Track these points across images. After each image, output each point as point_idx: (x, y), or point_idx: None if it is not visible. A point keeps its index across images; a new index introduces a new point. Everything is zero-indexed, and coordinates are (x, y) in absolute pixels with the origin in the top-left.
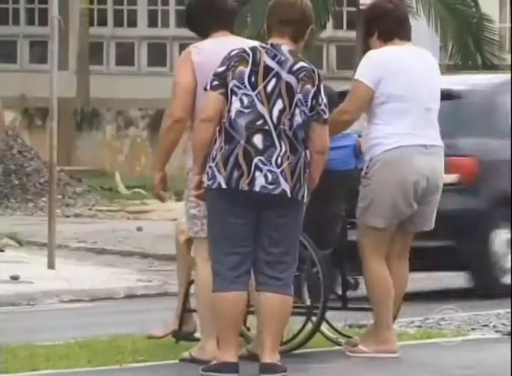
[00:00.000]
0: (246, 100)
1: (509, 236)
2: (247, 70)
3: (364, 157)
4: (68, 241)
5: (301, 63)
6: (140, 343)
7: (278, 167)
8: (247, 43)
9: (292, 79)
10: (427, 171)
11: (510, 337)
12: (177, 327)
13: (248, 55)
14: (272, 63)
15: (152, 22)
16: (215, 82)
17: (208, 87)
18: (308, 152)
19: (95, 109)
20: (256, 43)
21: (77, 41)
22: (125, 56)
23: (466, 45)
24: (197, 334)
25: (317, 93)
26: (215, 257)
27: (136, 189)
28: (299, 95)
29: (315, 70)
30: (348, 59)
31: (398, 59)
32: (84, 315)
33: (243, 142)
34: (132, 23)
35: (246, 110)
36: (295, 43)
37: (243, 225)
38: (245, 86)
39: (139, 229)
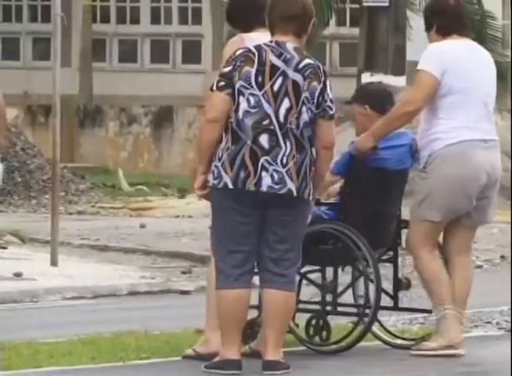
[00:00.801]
0: (252, 100)
1: None
2: (254, 70)
3: (421, 152)
4: (71, 238)
5: (307, 60)
6: (143, 340)
7: (283, 166)
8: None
9: (298, 77)
10: (487, 166)
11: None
12: None
13: (254, 54)
14: (278, 62)
15: (155, 19)
16: (222, 83)
17: (215, 87)
18: (314, 149)
19: (97, 106)
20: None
21: (79, 38)
22: (128, 52)
23: None
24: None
25: (323, 90)
26: (219, 255)
27: (139, 186)
28: (306, 93)
29: (321, 67)
30: (351, 56)
31: (459, 53)
32: (87, 312)
33: (249, 142)
34: (135, 20)
35: (253, 110)
36: (299, 38)
37: (248, 224)
38: (252, 86)
39: (142, 226)
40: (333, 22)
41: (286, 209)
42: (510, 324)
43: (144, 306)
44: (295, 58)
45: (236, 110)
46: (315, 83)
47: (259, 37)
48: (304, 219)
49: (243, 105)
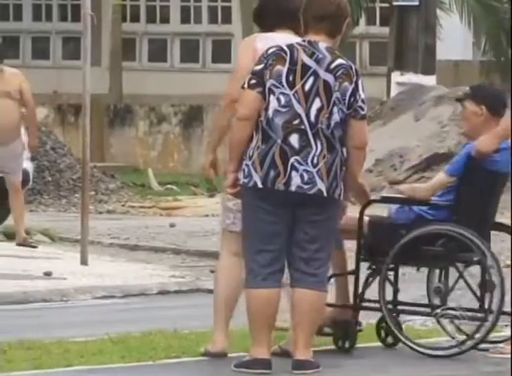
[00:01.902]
0: (283, 99)
1: None
2: (285, 69)
3: None
4: (101, 237)
5: (339, 60)
6: (173, 339)
7: (314, 166)
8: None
9: (330, 77)
10: None
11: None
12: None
13: (286, 53)
14: (309, 62)
15: (185, 18)
16: (253, 81)
17: (246, 85)
18: (344, 149)
19: (127, 105)
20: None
21: (109, 38)
22: (158, 52)
23: (499, 41)
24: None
25: (355, 90)
26: (248, 254)
27: (169, 186)
28: (337, 94)
29: (353, 67)
30: (381, 55)
31: None
32: (117, 311)
33: (279, 141)
34: (165, 19)
35: (284, 109)
36: (332, 38)
37: (277, 224)
38: (282, 85)
39: (172, 225)
40: (363, 21)
41: (317, 209)
42: None
43: (173, 305)
44: (327, 58)
45: (267, 109)
46: (346, 83)
47: (275, 36)
48: (335, 219)
49: (274, 104)
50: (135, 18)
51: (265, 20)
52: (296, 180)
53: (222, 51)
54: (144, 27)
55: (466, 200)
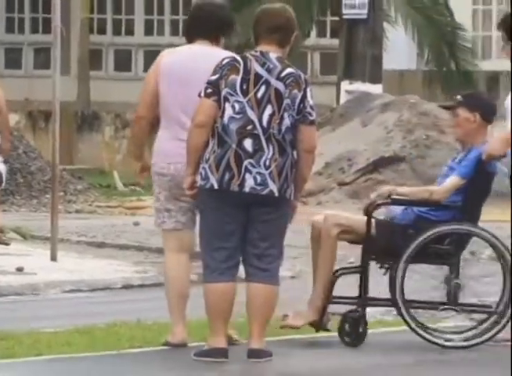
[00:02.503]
0: (237, 107)
1: None
2: (239, 78)
3: None
4: (69, 235)
5: (289, 70)
6: (136, 330)
7: (266, 169)
8: (219, 53)
9: (280, 85)
10: None
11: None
12: (316, 318)
13: (239, 63)
14: (261, 71)
15: (148, 31)
16: (209, 90)
17: (202, 94)
18: (295, 152)
19: (94, 112)
20: (229, 53)
21: (78, 48)
22: (123, 62)
23: (442, 52)
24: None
25: (304, 97)
26: (205, 251)
27: (133, 187)
28: (287, 100)
29: (302, 75)
30: (331, 65)
31: None
32: (84, 304)
33: (234, 145)
34: (130, 31)
35: (238, 116)
36: (282, 48)
37: (232, 223)
38: (237, 93)
39: (136, 223)
40: (314, 33)
41: (269, 209)
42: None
43: (137, 298)
44: (277, 67)
45: (222, 116)
46: (295, 91)
47: (182, 49)
48: (285, 218)
49: (229, 111)
50: (102, 30)
51: (187, 32)
52: (249, 182)
53: None
54: (110, 39)
55: (473, 200)
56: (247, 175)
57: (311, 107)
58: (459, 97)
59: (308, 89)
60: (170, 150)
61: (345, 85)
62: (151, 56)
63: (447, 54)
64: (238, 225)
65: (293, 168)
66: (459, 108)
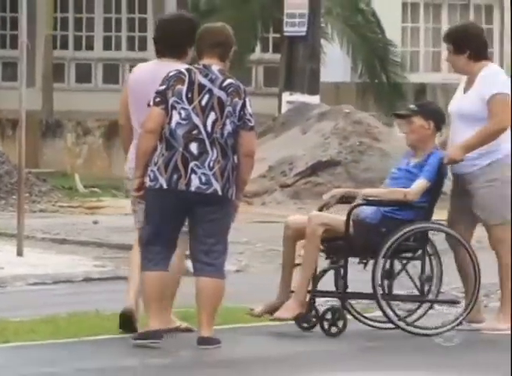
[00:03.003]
0: (183, 113)
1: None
2: (185, 88)
3: (474, 161)
4: (34, 233)
5: (229, 80)
6: (95, 319)
7: (210, 170)
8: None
9: (222, 94)
10: None
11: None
12: (302, 311)
13: (184, 75)
14: (204, 81)
15: (106, 46)
16: (158, 99)
17: (152, 103)
18: (235, 156)
19: (57, 120)
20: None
21: (42, 62)
22: (84, 74)
23: (374, 66)
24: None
25: (243, 105)
26: (145, 244)
27: (92, 189)
28: (229, 108)
29: (241, 86)
30: (274, 77)
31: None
32: (48, 295)
33: (181, 149)
34: (90, 46)
35: (184, 122)
36: (223, 62)
37: (173, 221)
38: (183, 101)
39: (95, 222)
40: (258, 49)
41: (213, 208)
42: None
43: (96, 291)
44: (219, 78)
45: (170, 122)
46: (236, 99)
47: (144, 65)
48: (228, 217)
49: (176, 117)
50: (64, 46)
51: (155, 48)
52: (195, 182)
53: None
54: (72, 54)
55: (434, 201)
56: (193, 176)
57: (250, 115)
58: (412, 106)
59: (247, 99)
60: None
61: (286, 96)
62: (109, 69)
63: (379, 68)
64: (178, 223)
65: (234, 170)
66: (415, 116)
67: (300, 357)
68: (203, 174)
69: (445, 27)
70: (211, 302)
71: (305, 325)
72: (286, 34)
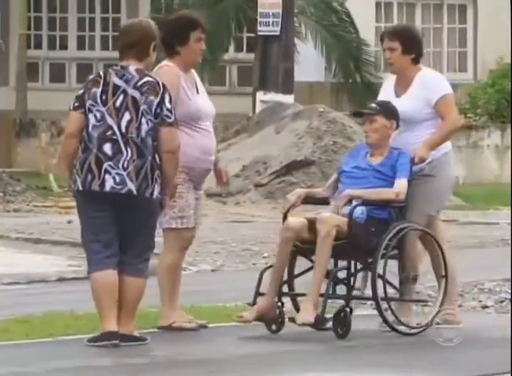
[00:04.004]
0: (98, 115)
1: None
2: (99, 91)
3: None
4: (9, 232)
5: (146, 79)
6: (70, 319)
7: (124, 170)
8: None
9: (136, 93)
10: None
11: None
12: (319, 313)
13: (100, 77)
14: (119, 82)
15: (80, 45)
16: (76, 103)
17: (71, 107)
18: (157, 155)
19: (31, 119)
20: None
21: (16, 62)
22: (58, 74)
23: (347, 66)
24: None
25: (160, 102)
26: (84, 245)
27: (66, 188)
28: (144, 106)
29: (160, 83)
30: (248, 77)
31: None
32: (22, 295)
33: (95, 150)
34: (64, 46)
35: (99, 124)
36: (141, 61)
37: (102, 218)
38: (98, 104)
39: (70, 221)
40: (232, 48)
41: (131, 207)
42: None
43: (71, 290)
44: (135, 77)
45: (87, 125)
46: (152, 97)
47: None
48: (150, 215)
49: (92, 120)
50: (38, 45)
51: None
52: (109, 182)
53: None
54: (46, 53)
55: (407, 200)
56: (107, 176)
57: (169, 110)
58: (374, 105)
59: (166, 95)
60: None
61: (260, 96)
62: (83, 68)
63: (352, 67)
64: (109, 219)
65: (154, 169)
66: (378, 115)
67: (274, 357)
68: (118, 174)
69: (418, 26)
70: (131, 301)
71: (274, 327)
72: (260, 33)
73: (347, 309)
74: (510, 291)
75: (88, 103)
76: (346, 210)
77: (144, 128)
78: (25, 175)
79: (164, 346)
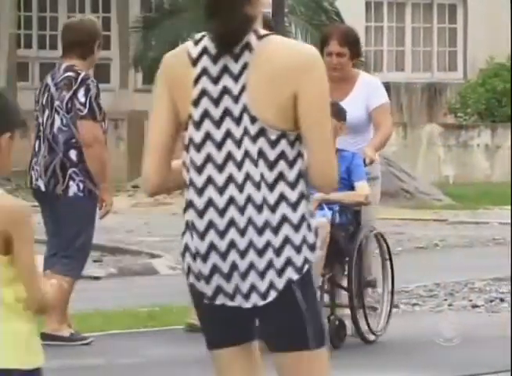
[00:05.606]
0: (35, 114)
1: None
2: (37, 91)
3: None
4: None
5: (67, 74)
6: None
7: (39, 166)
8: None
9: (54, 90)
10: None
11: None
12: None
13: (46, 78)
14: (49, 81)
15: None
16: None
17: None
18: (72, 151)
19: (22, 119)
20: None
21: (6, 61)
22: (48, 74)
23: None
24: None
25: (73, 97)
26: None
27: None
28: (57, 102)
29: (79, 78)
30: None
31: None
32: None
33: (32, 149)
34: (54, 46)
35: (35, 122)
36: (84, 60)
37: (45, 218)
38: (37, 104)
39: None
40: None
41: (48, 205)
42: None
43: None
44: (60, 74)
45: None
46: (64, 92)
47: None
48: (68, 214)
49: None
50: (28, 45)
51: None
52: (33, 178)
53: (103, 72)
54: (36, 53)
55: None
56: (32, 172)
57: (82, 104)
58: None
59: (82, 88)
60: None
61: None
62: None
63: None
64: (44, 215)
65: (66, 165)
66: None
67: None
68: (37, 170)
69: (408, 26)
70: (61, 300)
71: None
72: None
73: (333, 317)
74: (500, 291)
75: (35, 104)
76: (319, 214)
77: (56, 124)
78: (15, 174)
79: (164, 346)
